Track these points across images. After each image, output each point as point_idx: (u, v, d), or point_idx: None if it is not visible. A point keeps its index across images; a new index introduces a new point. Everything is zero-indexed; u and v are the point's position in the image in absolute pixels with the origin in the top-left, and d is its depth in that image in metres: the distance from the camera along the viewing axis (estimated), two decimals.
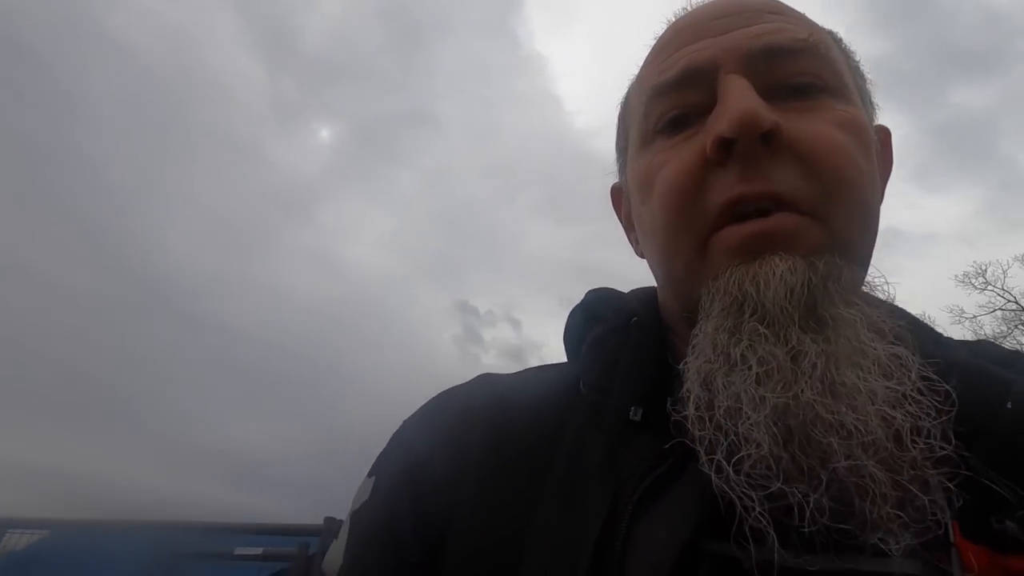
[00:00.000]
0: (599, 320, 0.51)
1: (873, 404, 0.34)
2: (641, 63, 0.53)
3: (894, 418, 0.34)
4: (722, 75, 0.43)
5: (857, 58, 0.52)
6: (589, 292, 0.56)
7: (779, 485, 0.33)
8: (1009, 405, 0.39)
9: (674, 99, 0.45)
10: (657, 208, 0.44)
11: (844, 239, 0.41)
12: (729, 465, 0.34)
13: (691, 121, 0.44)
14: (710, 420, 0.36)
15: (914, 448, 0.33)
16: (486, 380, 0.53)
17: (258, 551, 2.80)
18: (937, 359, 0.38)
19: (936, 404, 0.35)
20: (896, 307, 0.43)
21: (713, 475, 0.34)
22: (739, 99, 0.40)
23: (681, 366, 0.40)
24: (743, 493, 0.33)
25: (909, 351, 0.37)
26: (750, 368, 0.36)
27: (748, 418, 0.34)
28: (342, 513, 0.51)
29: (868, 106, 0.50)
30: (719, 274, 0.40)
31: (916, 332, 0.40)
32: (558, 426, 0.45)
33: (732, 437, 0.34)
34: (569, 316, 0.55)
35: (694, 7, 0.51)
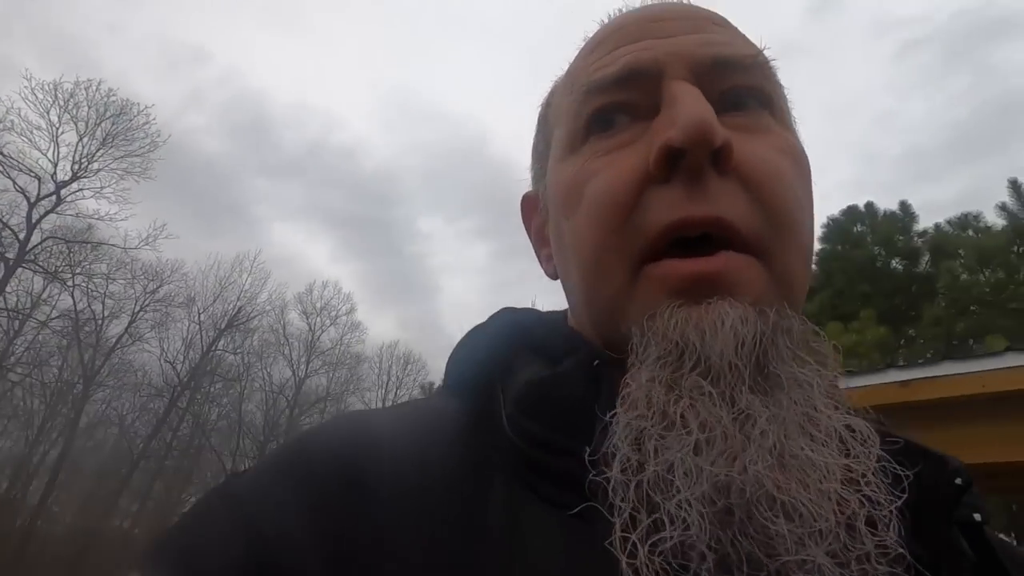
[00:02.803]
0: (538, 352, 0.41)
1: (827, 483, 0.29)
2: (570, 62, 0.47)
3: (848, 502, 0.29)
4: (667, 80, 0.38)
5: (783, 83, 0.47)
6: (508, 311, 0.47)
7: None
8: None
9: (613, 96, 0.40)
10: (585, 224, 0.38)
11: (787, 283, 0.36)
12: (645, 547, 0.28)
13: (627, 125, 0.39)
14: (635, 488, 0.30)
15: (867, 541, 0.28)
16: (351, 420, 0.41)
17: None
18: (894, 437, 0.34)
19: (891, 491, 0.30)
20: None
21: (624, 559, 0.28)
22: (693, 106, 0.35)
23: (608, 417, 0.33)
24: None
25: (867, 423, 0.32)
26: (689, 432, 0.30)
27: (679, 492, 0.29)
28: None
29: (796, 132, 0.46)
30: (656, 313, 0.34)
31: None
32: (479, 477, 0.35)
33: (657, 514, 0.29)
34: (475, 334, 0.46)
35: (633, 7, 0.46)
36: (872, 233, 13.92)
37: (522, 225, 0.54)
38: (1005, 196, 11.80)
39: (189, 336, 23.66)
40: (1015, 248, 11.48)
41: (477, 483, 0.35)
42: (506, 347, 0.43)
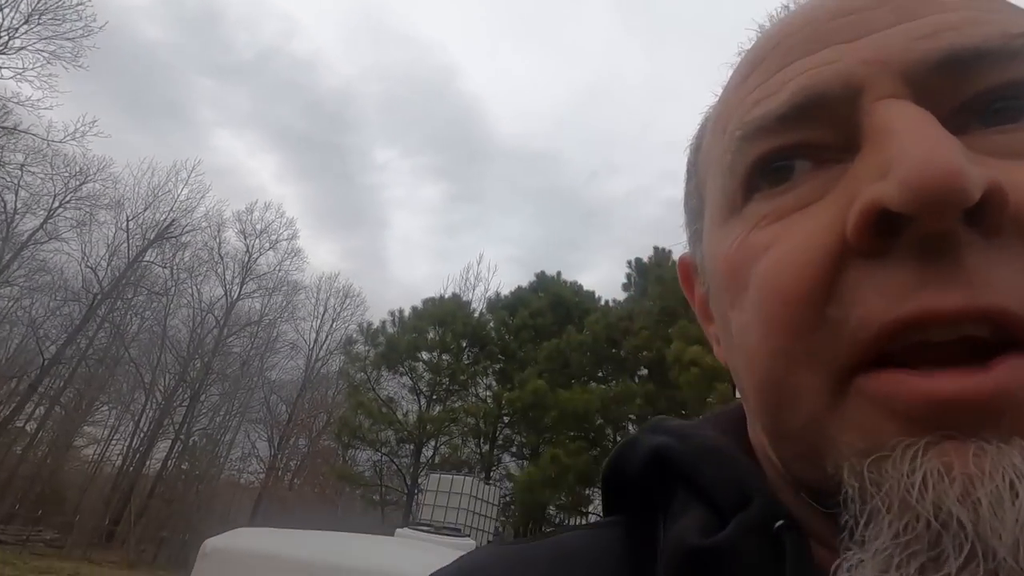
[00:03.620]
0: (700, 491, 0.31)
1: None
2: (721, 90, 0.35)
3: None
4: (869, 102, 0.25)
5: None
6: (661, 426, 0.36)
7: None
8: None
9: (782, 138, 0.27)
10: (756, 322, 0.27)
11: None
12: None
13: (809, 173, 0.27)
14: None
15: None
16: (495, 562, 0.35)
17: None
18: None
19: None
20: None
21: None
22: (918, 142, 0.22)
23: None
24: None
25: None
26: None
27: None
28: None
29: None
30: (885, 455, 0.21)
31: None
32: None
33: None
34: (624, 452, 0.36)
35: (804, 2, 0.31)
36: None
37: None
38: None
39: (115, 243, 22.40)
40: None
41: None
42: (659, 477, 0.33)
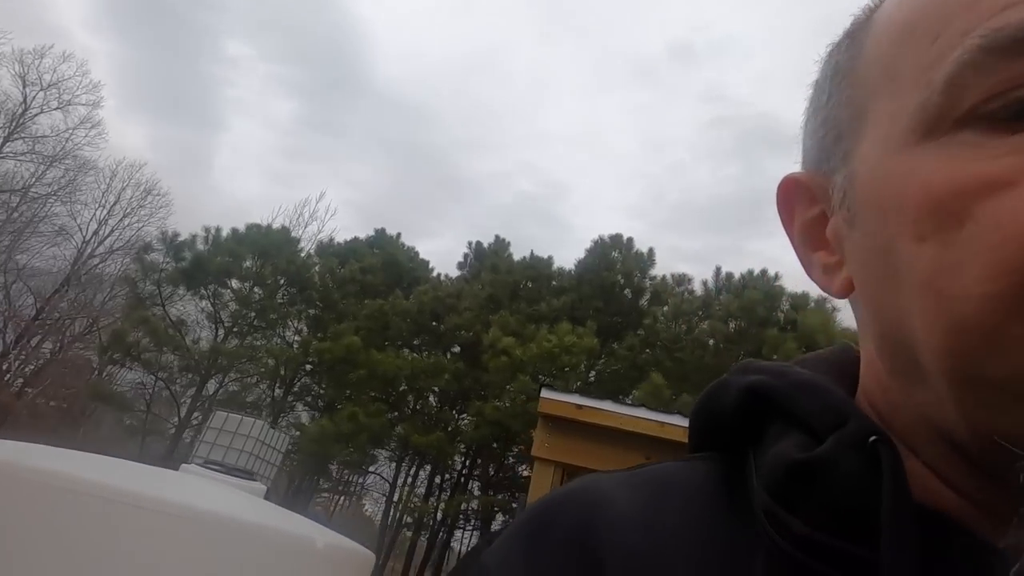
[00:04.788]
0: (793, 421, 0.32)
1: None
2: None
3: None
4: None
5: None
6: (752, 366, 0.37)
7: None
8: None
9: None
10: (976, 262, 0.24)
11: None
12: None
13: None
14: None
15: None
16: (594, 489, 0.36)
17: None
18: None
19: None
20: None
21: None
22: None
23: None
24: None
25: None
26: None
27: None
28: None
29: None
30: None
31: None
32: (734, 561, 0.30)
33: None
34: (715, 393, 0.37)
35: None
36: (622, 263, 17.02)
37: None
38: (728, 265, 16.00)
39: None
40: (699, 312, 15.47)
41: (732, 567, 0.30)
42: (756, 410, 0.34)
